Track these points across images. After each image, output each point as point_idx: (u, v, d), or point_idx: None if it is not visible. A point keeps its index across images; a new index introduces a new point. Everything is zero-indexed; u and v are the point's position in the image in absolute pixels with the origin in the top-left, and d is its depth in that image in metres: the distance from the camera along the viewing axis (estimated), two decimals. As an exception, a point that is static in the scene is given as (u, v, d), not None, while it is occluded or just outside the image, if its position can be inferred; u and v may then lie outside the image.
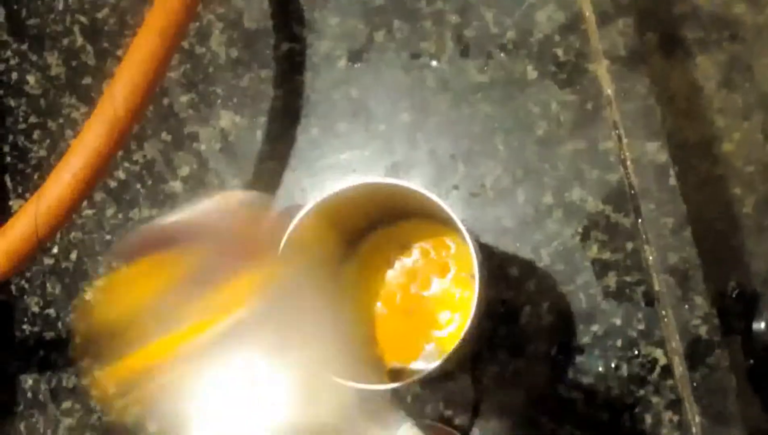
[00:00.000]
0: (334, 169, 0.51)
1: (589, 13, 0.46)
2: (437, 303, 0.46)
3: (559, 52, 0.49)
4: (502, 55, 0.50)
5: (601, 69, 0.46)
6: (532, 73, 0.49)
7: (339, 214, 0.43)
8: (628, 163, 0.44)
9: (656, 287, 0.44)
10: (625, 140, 0.44)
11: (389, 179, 0.41)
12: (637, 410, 0.45)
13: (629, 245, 0.47)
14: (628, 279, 0.46)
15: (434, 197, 0.39)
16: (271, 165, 0.52)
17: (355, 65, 0.52)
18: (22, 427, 0.53)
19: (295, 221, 0.40)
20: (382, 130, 0.51)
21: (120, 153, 0.53)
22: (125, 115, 0.42)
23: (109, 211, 0.54)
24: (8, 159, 0.56)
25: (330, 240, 0.45)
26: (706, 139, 0.48)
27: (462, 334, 0.39)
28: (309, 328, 0.32)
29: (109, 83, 0.43)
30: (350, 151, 0.51)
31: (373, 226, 0.47)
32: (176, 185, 0.53)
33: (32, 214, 0.42)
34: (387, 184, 0.40)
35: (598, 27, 0.45)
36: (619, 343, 0.46)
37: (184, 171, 0.53)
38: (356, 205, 0.43)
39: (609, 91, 0.45)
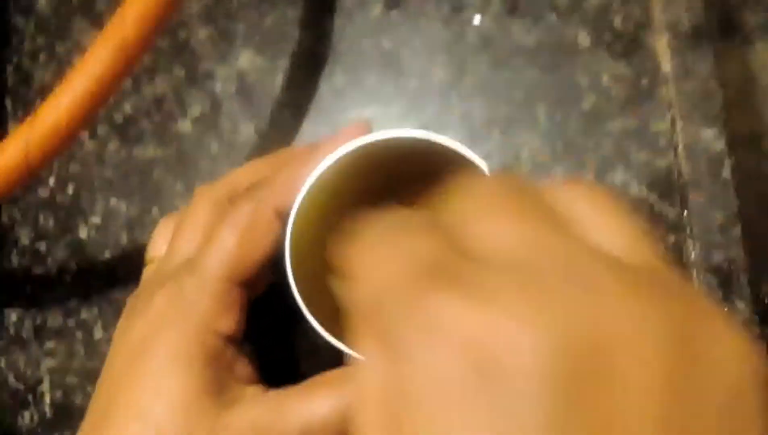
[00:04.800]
0: (357, 124, 0.47)
1: (655, -21, 0.42)
2: None
3: (617, 20, 0.45)
4: (553, 17, 0.45)
5: (661, 43, 0.42)
6: (584, 41, 0.45)
7: (360, 169, 0.38)
8: (680, 148, 0.41)
9: (696, 286, 0.41)
10: (679, 123, 0.41)
11: (423, 132, 0.34)
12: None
13: (671, 238, 0.43)
14: (665, 275, 0.43)
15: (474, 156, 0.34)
16: (288, 112, 0.48)
17: (391, 12, 0.47)
18: (2, 362, 0.50)
19: (319, 170, 0.34)
20: (413, 86, 0.47)
21: (128, 85, 0.50)
22: (135, 41, 0.38)
23: (112, 147, 0.50)
24: (10, 81, 0.53)
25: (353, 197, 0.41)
26: (756, 133, 0.45)
27: None
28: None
29: (120, 5, 0.39)
30: (376, 106, 0.47)
31: (393, 189, 0.44)
32: (185, 125, 0.49)
33: (24, 140, 0.38)
34: (419, 138, 0.35)
35: (663, -4, 0.41)
36: (649, 342, 0.43)
37: (196, 111, 0.49)
38: (380, 162, 0.39)
39: (667, 68, 0.42)
